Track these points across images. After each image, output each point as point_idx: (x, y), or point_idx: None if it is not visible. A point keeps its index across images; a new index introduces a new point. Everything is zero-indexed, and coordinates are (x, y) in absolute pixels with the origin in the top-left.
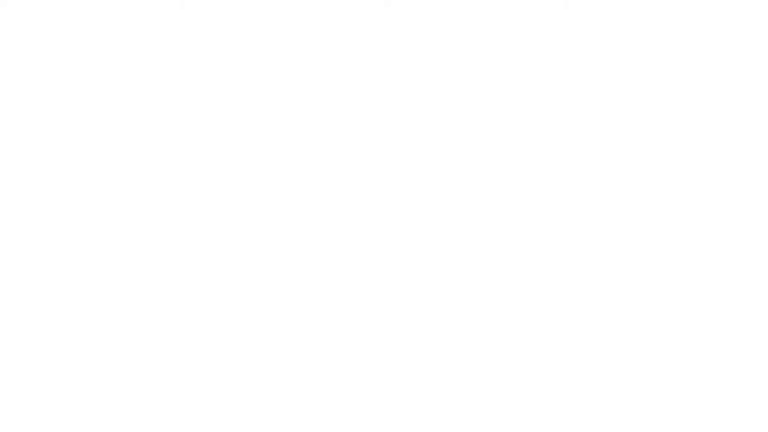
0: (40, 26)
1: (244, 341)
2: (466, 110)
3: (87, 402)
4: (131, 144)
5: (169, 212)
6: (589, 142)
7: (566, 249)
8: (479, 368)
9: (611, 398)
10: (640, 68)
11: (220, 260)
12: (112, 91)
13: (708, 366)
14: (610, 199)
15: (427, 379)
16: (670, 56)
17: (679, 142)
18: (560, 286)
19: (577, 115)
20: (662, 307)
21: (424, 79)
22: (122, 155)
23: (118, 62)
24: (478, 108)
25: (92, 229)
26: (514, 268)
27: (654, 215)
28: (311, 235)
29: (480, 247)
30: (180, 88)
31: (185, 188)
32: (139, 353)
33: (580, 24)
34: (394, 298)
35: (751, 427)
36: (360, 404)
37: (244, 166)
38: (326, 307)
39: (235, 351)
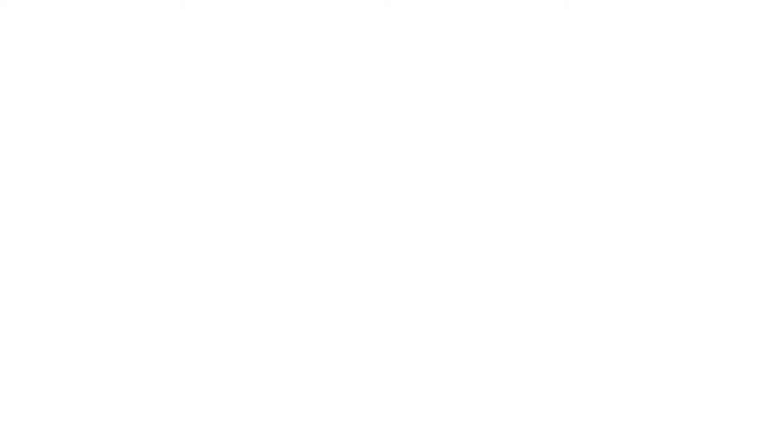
0: (40, 26)
1: (244, 341)
2: (466, 110)
3: (87, 402)
4: (131, 144)
5: (169, 211)
6: (589, 141)
7: (566, 249)
8: (479, 368)
9: (611, 398)
10: (639, 68)
11: (220, 259)
12: (112, 91)
13: (708, 366)
14: (610, 199)
15: (427, 380)
16: (670, 56)
17: (679, 142)
18: (560, 286)
19: (577, 114)
20: (662, 307)
21: (424, 79)
22: (122, 155)
23: (118, 62)
24: (478, 108)
25: (92, 229)
26: (514, 268)
27: (654, 215)
28: (311, 235)
29: (480, 247)
30: (180, 88)
31: (186, 187)
32: (139, 353)
33: (580, 24)
34: (394, 298)
35: (751, 427)
36: (360, 404)
37: (244, 166)
38: (326, 307)
39: (235, 351)
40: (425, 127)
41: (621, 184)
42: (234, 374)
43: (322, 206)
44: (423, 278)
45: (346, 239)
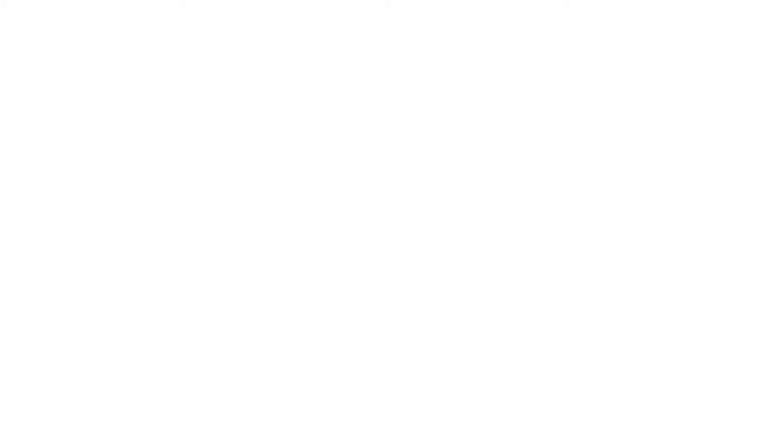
0: (40, 26)
1: (244, 341)
2: (466, 110)
3: (87, 402)
4: (131, 144)
5: (169, 212)
6: (588, 141)
7: (566, 249)
8: (479, 368)
9: (611, 398)
10: (639, 68)
11: (220, 260)
12: (112, 91)
13: (708, 366)
14: (609, 199)
15: (427, 380)
16: (670, 56)
17: (678, 142)
18: (560, 286)
19: (576, 114)
20: (662, 307)
21: (424, 79)
22: (122, 155)
23: (118, 62)
24: (478, 108)
25: (92, 229)
26: (514, 268)
27: (654, 215)
28: (311, 235)
29: (480, 247)
30: (180, 88)
31: (186, 188)
32: (139, 353)
33: (580, 24)
34: (394, 299)
35: (751, 427)
36: (360, 404)
37: (244, 166)
38: (326, 307)
39: (235, 351)
40: (425, 127)
41: (620, 184)
42: (234, 374)
43: (321, 206)
44: (423, 278)
45: (346, 238)
